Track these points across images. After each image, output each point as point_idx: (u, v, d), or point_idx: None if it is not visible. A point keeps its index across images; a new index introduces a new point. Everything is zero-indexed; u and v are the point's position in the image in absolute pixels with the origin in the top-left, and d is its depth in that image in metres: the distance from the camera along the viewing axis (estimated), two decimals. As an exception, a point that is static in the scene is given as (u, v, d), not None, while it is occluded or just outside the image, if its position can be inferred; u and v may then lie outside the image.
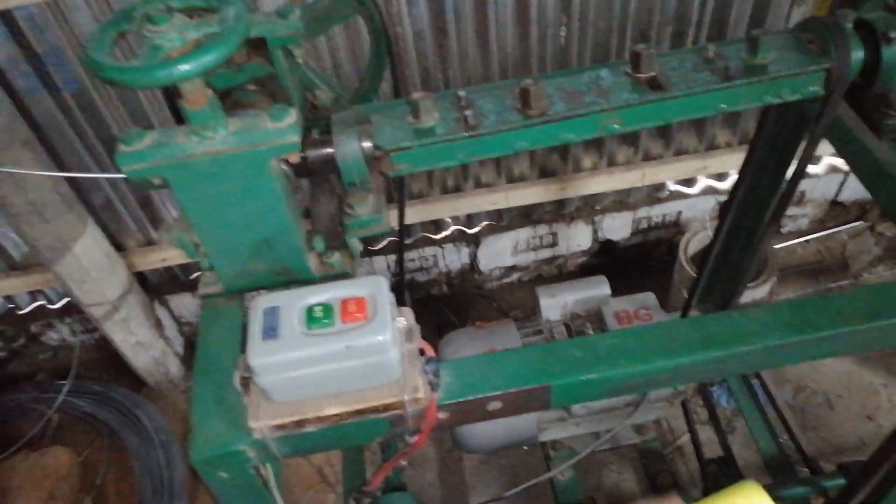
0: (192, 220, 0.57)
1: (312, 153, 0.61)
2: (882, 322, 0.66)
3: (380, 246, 1.81)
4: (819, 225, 1.89)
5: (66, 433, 1.87)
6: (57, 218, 1.41)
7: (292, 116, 0.52)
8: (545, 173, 1.67)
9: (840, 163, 1.70)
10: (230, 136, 0.52)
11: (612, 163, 1.66)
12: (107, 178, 1.49)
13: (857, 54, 0.67)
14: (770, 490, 1.19)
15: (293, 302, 0.53)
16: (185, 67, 0.44)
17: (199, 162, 0.52)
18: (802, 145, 0.92)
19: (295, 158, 0.58)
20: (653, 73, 0.65)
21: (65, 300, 1.89)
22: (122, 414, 1.89)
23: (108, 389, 1.93)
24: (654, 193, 1.79)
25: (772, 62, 0.66)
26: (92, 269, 1.54)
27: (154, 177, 0.54)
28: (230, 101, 0.61)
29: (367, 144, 0.62)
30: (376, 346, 0.49)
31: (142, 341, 1.78)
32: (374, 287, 0.53)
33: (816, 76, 0.67)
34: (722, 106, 0.67)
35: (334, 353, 0.49)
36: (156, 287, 1.90)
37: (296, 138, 0.52)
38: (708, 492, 1.15)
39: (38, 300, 1.90)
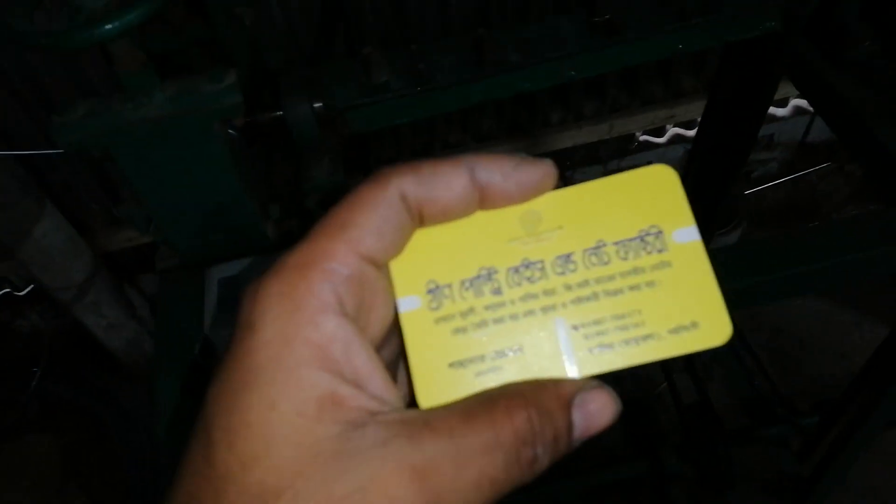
0: (139, 191, 0.55)
1: (261, 116, 0.58)
2: (849, 256, 0.66)
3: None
4: (789, 168, 1.90)
5: (45, 420, 1.85)
6: (13, 202, 1.37)
7: (231, 77, 0.50)
8: (513, 130, 1.65)
9: (806, 104, 1.70)
10: (167, 101, 0.49)
11: (579, 116, 1.65)
12: (47, 155, 1.45)
13: (815, -13, 0.66)
14: (747, 431, 1.21)
15: (250, 271, 0.52)
16: (107, 27, 0.41)
17: (138, 129, 0.49)
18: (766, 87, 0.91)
19: (241, 122, 0.56)
20: (607, 17, 0.63)
21: (31, 286, 1.85)
22: (102, 397, 1.87)
23: (84, 374, 1.90)
24: (624, 145, 1.78)
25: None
26: (54, 253, 1.51)
27: (93, 148, 0.51)
28: (171, 66, 0.58)
29: (317, 105, 0.60)
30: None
31: (114, 323, 1.75)
32: None
33: (774, 11, 0.65)
34: (679, 46, 0.65)
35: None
36: (125, 268, 1.86)
37: (237, 100, 0.50)
38: (689, 438, 1.16)
39: (3, 288, 1.86)
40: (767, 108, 0.98)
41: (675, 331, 0.27)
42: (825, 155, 1.89)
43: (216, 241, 0.65)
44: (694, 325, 0.27)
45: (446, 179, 0.28)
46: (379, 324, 0.29)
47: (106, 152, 0.53)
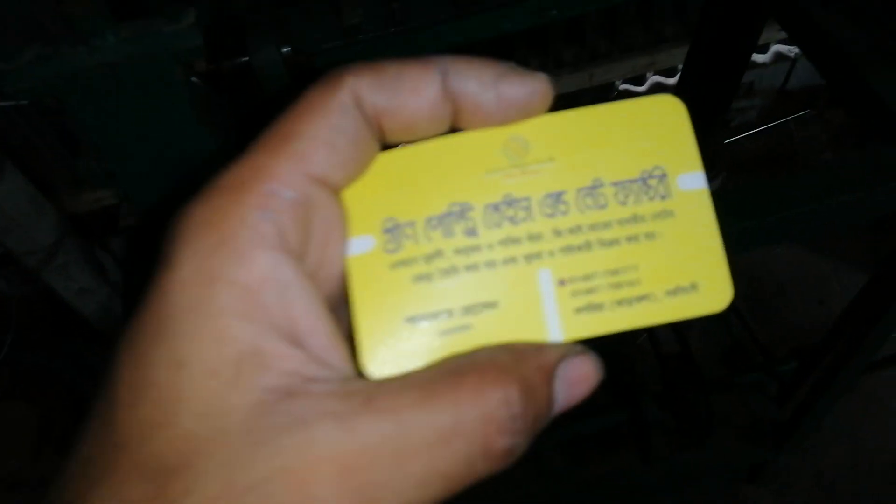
0: (97, 144, 0.52)
1: (225, 63, 0.55)
2: (826, 202, 0.65)
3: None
4: (767, 116, 1.89)
5: (17, 388, 1.82)
6: (-29, 163, 1.32)
7: (190, 17, 0.46)
8: (491, 81, 1.61)
9: (787, 50, 1.68)
10: (122, 43, 0.46)
11: (559, 64, 1.62)
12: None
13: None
14: (726, 379, 1.22)
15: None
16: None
17: (92, 76, 0.46)
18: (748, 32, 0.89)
19: (203, 69, 0.52)
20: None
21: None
22: (75, 363, 1.84)
23: (57, 340, 1.87)
24: (604, 95, 1.75)
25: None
26: (17, 215, 1.46)
27: (44, 96, 0.48)
28: (125, 6, 0.54)
29: (285, 49, 0.57)
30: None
31: (85, 287, 1.71)
32: None
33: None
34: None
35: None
36: (94, 230, 1.82)
37: (196, 41, 0.46)
38: (669, 387, 1.17)
39: (-31, 253, 1.81)
40: (751, 53, 0.96)
41: (674, 292, 0.24)
42: (804, 102, 1.88)
43: (181, 197, 0.62)
44: (693, 287, 0.24)
45: (413, 84, 0.23)
46: (336, 266, 0.24)
47: (60, 101, 0.49)
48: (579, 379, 0.23)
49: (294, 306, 0.21)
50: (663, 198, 0.24)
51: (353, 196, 0.24)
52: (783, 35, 1.63)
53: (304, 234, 0.22)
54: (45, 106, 0.51)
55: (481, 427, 0.20)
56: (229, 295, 0.20)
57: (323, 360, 0.21)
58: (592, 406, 1.19)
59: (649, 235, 0.24)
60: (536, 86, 0.24)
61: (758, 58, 1.74)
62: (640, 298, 0.24)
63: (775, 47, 1.69)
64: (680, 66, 1.69)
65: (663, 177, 0.24)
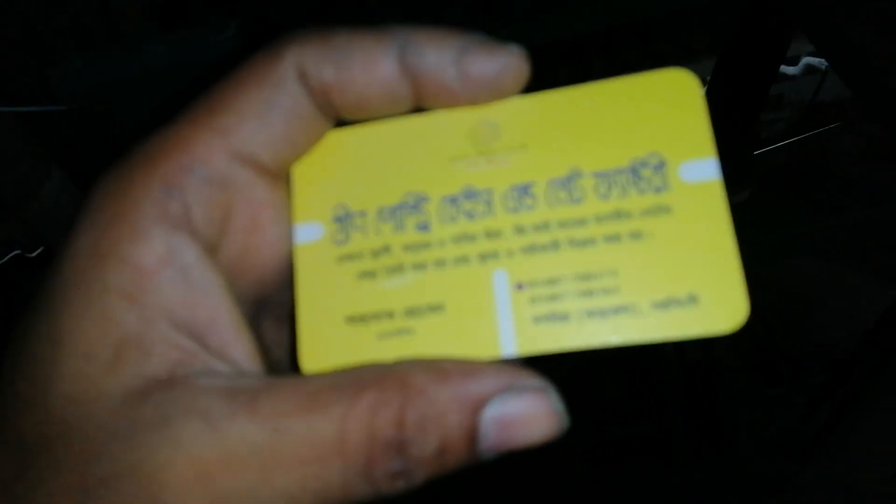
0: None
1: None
2: (858, 215, 0.65)
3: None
4: (798, 128, 1.87)
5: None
6: (17, 162, 1.37)
7: (232, 29, 0.49)
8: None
9: (817, 62, 1.67)
10: (168, 51, 0.48)
11: (589, 75, 1.62)
12: (49, 111, 1.44)
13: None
14: (753, 390, 1.21)
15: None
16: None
17: (138, 82, 0.49)
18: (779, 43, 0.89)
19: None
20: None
21: (41, 248, 1.85)
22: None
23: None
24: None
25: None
26: (62, 214, 1.51)
27: (94, 102, 0.51)
28: (171, 16, 0.57)
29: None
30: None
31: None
32: None
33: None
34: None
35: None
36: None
37: (237, 50, 0.49)
38: (693, 396, 1.17)
39: (13, 250, 1.87)
40: (779, 65, 0.96)
41: (664, 305, 0.20)
42: (835, 115, 1.86)
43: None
44: (692, 299, 0.20)
45: (364, 57, 0.20)
46: (265, 254, 0.22)
47: (108, 106, 0.52)
48: (521, 422, 0.19)
49: (193, 293, 0.19)
50: (658, 190, 0.21)
51: (303, 175, 0.22)
52: (813, 47, 1.62)
53: (219, 215, 0.21)
54: (91, 110, 0.54)
55: (366, 446, 0.18)
56: (118, 273, 0.18)
57: (222, 352, 0.19)
58: (614, 413, 1.19)
59: (635, 235, 0.21)
60: (507, 61, 0.21)
61: (787, 70, 1.73)
62: (618, 310, 0.20)
63: (805, 59, 1.68)
64: (708, 78, 1.68)
65: (660, 165, 0.21)
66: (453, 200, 0.22)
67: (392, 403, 0.18)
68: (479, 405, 0.18)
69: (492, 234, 0.21)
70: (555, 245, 0.21)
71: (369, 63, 0.20)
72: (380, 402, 0.18)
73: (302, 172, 0.22)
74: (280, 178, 0.22)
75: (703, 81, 1.77)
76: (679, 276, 0.20)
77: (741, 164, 1.76)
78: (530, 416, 0.18)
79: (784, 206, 0.65)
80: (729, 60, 0.98)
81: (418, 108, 0.22)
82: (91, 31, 1.38)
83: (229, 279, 0.21)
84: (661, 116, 0.21)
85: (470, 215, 0.22)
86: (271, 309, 0.23)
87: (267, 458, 0.17)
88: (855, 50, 0.73)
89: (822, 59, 1.73)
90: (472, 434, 0.18)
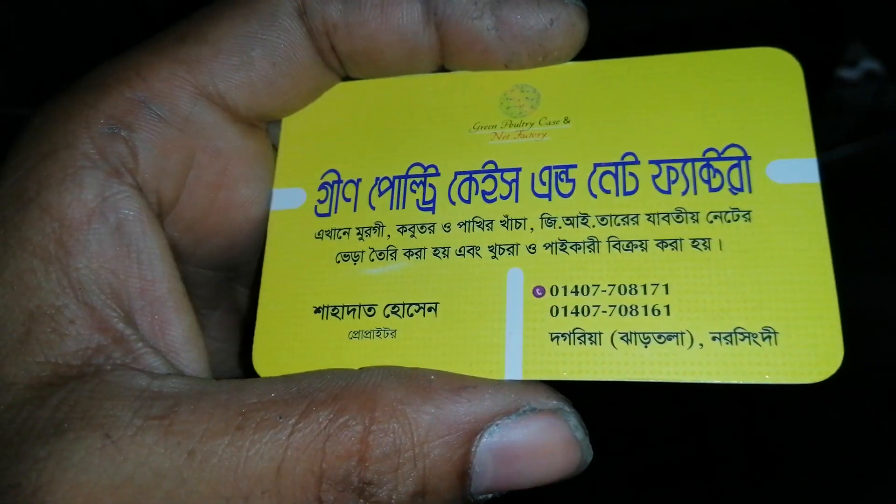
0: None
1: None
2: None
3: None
4: (857, 136, 1.79)
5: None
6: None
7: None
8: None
9: (878, 67, 1.59)
10: None
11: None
12: None
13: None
14: (807, 413, 1.15)
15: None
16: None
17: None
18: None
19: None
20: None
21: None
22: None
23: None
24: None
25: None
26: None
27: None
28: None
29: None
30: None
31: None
32: None
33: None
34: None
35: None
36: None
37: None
38: (741, 418, 1.12)
39: None
40: (834, 69, 0.91)
41: (728, 338, 0.15)
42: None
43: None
44: (768, 334, 0.15)
45: None
46: (236, 216, 0.16)
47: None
48: (529, 455, 0.14)
49: (127, 257, 0.15)
50: (737, 191, 0.16)
51: (294, 131, 0.17)
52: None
53: (177, 165, 0.16)
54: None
55: (311, 484, 0.14)
56: (39, 226, 0.15)
57: (154, 336, 0.15)
58: (653, 435, 1.15)
59: (700, 243, 0.16)
60: (559, 14, 0.16)
61: (846, 74, 1.66)
62: (665, 337, 0.15)
63: (864, 64, 1.61)
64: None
65: (743, 160, 0.16)
66: (470, 178, 0.17)
67: (352, 427, 0.13)
68: (473, 432, 0.13)
69: (511, 223, 0.16)
70: (592, 244, 0.16)
71: (385, 4, 0.16)
72: (335, 424, 0.13)
73: (294, 126, 0.17)
74: (258, 128, 0.17)
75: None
76: (754, 302, 0.15)
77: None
78: (541, 446, 0.14)
79: (844, 218, 0.60)
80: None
81: (442, 69, 0.17)
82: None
83: (190, 242, 0.17)
84: (749, 102, 0.16)
85: (488, 197, 0.16)
86: (247, 275, 0.19)
87: (174, 493, 0.13)
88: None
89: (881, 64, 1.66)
90: (464, 471, 0.14)
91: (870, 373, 1.43)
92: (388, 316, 0.17)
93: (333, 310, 0.17)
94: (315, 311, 0.17)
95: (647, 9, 0.65)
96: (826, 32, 0.90)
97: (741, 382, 0.16)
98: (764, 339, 0.16)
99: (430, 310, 0.17)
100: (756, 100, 0.16)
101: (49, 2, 1.18)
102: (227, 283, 0.20)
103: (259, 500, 0.14)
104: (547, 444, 0.14)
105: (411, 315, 0.17)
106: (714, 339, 0.16)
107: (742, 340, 0.16)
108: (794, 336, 0.16)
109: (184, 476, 0.13)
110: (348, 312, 0.17)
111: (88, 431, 0.14)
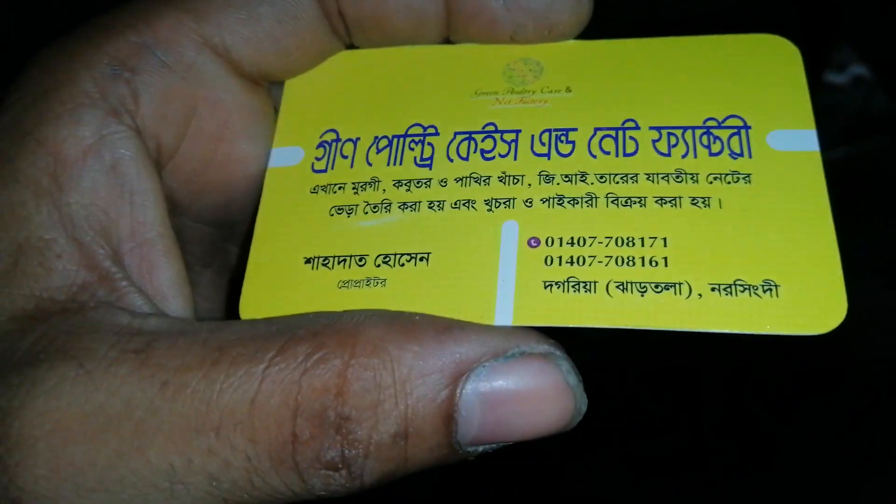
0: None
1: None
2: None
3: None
4: (846, 140, 1.81)
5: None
6: None
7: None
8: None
9: (866, 72, 1.62)
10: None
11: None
12: None
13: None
14: (796, 403, 1.17)
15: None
16: None
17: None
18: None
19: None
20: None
21: None
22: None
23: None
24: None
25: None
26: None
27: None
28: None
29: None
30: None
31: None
32: None
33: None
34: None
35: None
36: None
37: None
38: (732, 410, 1.13)
39: None
40: (820, 75, 0.94)
41: (727, 289, 0.15)
42: (888, 125, 1.79)
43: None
44: (768, 287, 0.15)
45: None
46: (234, 172, 0.17)
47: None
48: (518, 400, 0.13)
49: (120, 196, 0.15)
50: (736, 156, 0.16)
51: (297, 92, 0.17)
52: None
53: (179, 112, 0.16)
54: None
55: (286, 419, 0.13)
56: (33, 159, 0.14)
57: (141, 278, 0.15)
58: (643, 426, 1.16)
59: (700, 201, 0.15)
60: None
61: (835, 79, 1.69)
62: (663, 287, 0.15)
63: (853, 69, 1.64)
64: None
65: (742, 129, 0.16)
66: (469, 137, 0.17)
67: (331, 361, 0.12)
68: (459, 373, 0.13)
69: (509, 179, 0.16)
70: (590, 199, 0.16)
71: None
72: (313, 358, 0.13)
73: (296, 88, 0.17)
74: (261, 86, 0.17)
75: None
76: (754, 256, 0.15)
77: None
78: (531, 392, 0.13)
79: (835, 221, 0.61)
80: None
81: (447, 42, 0.17)
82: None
83: (188, 194, 0.16)
84: (749, 80, 0.16)
85: (486, 155, 0.16)
86: (241, 236, 0.19)
87: (145, 422, 0.13)
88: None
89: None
90: (449, 414, 0.13)
91: (861, 366, 1.44)
92: (378, 266, 0.16)
93: (324, 260, 0.17)
94: (305, 262, 0.17)
95: (640, 10, 0.68)
96: (814, 36, 0.92)
97: (741, 332, 0.15)
98: (765, 292, 0.15)
99: (421, 259, 0.16)
100: (756, 77, 0.17)
101: (49, 2, 1.21)
102: (221, 241, 0.20)
103: (231, 433, 0.13)
104: (538, 390, 0.13)
105: (402, 265, 0.16)
106: (713, 289, 0.15)
107: (742, 292, 0.15)
108: (795, 289, 0.15)
109: (155, 406, 0.13)
110: (339, 262, 0.16)
111: (63, 362, 0.13)
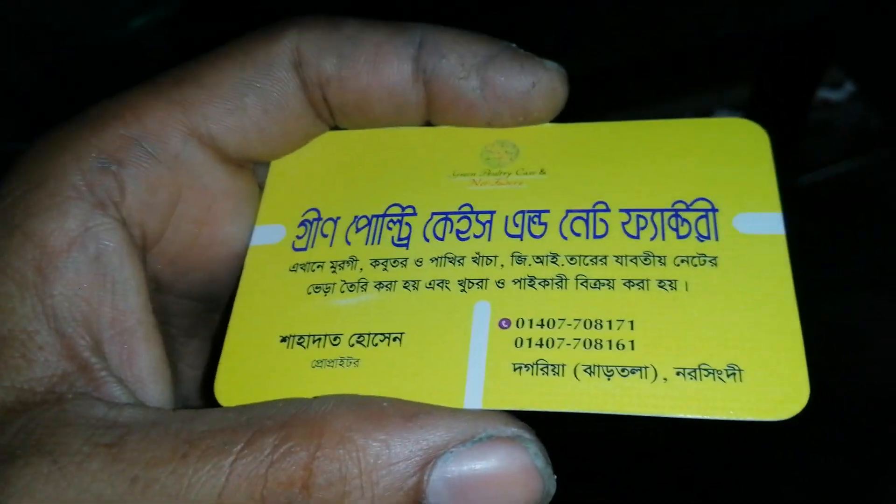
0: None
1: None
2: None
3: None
4: (845, 156, 1.81)
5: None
6: None
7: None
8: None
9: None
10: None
11: (624, 101, 1.60)
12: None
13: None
14: (794, 430, 1.16)
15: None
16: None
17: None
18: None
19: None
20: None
21: None
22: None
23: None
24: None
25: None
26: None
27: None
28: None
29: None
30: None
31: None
32: None
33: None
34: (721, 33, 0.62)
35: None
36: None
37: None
38: (728, 437, 1.12)
39: None
40: (814, 94, 0.94)
41: (692, 374, 0.16)
42: (883, 141, 1.79)
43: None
44: (732, 371, 0.16)
45: (374, 51, 0.18)
46: (218, 252, 0.19)
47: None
48: (486, 485, 0.13)
49: (102, 286, 0.16)
50: (703, 238, 0.17)
51: (282, 173, 0.20)
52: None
53: (164, 201, 0.18)
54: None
55: None
56: (21, 252, 0.16)
57: (121, 367, 0.16)
58: (635, 451, 1.14)
59: (667, 284, 0.17)
60: (541, 78, 0.18)
61: (832, 95, 1.68)
62: (629, 371, 0.16)
63: (849, 86, 1.63)
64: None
65: (710, 212, 0.18)
66: (445, 218, 0.18)
67: (296, 454, 0.13)
68: (426, 460, 0.14)
69: (482, 259, 0.18)
70: (560, 281, 0.17)
71: (378, 59, 0.18)
72: (279, 450, 0.13)
73: (281, 168, 0.19)
74: (246, 168, 0.19)
75: (740, 107, 1.74)
76: (719, 340, 0.16)
77: (782, 192, 1.71)
78: (499, 476, 0.14)
79: (831, 238, 0.62)
80: (766, 86, 0.96)
81: (427, 123, 0.19)
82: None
83: (172, 274, 0.19)
84: (717, 163, 0.18)
85: (461, 235, 0.18)
86: (226, 307, 0.20)
87: None
88: (890, 84, 0.70)
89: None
90: (417, 502, 0.14)
91: (860, 390, 1.43)
92: (352, 345, 0.17)
93: (299, 339, 0.18)
94: (281, 341, 0.18)
95: (642, 37, 0.67)
96: (809, 56, 0.92)
97: (705, 417, 0.16)
98: (729, 376, 0.16)
99: (394, 339, 0.17)
100: (724, 160, 0.19)
101: (54, 40, 1.20)
102: (206, 313, 0.21)
103: None
104: (505, 473, 0.14)
105: (376, 345, 0.17)
106: (678, 373, 0.16)
107: (707, 376, 0.16)
108: (759, 374, 0.16)
109: (125, 502, 0.14)
110: (314, 342, 0.18)
111: (38, 458, 0.14)
